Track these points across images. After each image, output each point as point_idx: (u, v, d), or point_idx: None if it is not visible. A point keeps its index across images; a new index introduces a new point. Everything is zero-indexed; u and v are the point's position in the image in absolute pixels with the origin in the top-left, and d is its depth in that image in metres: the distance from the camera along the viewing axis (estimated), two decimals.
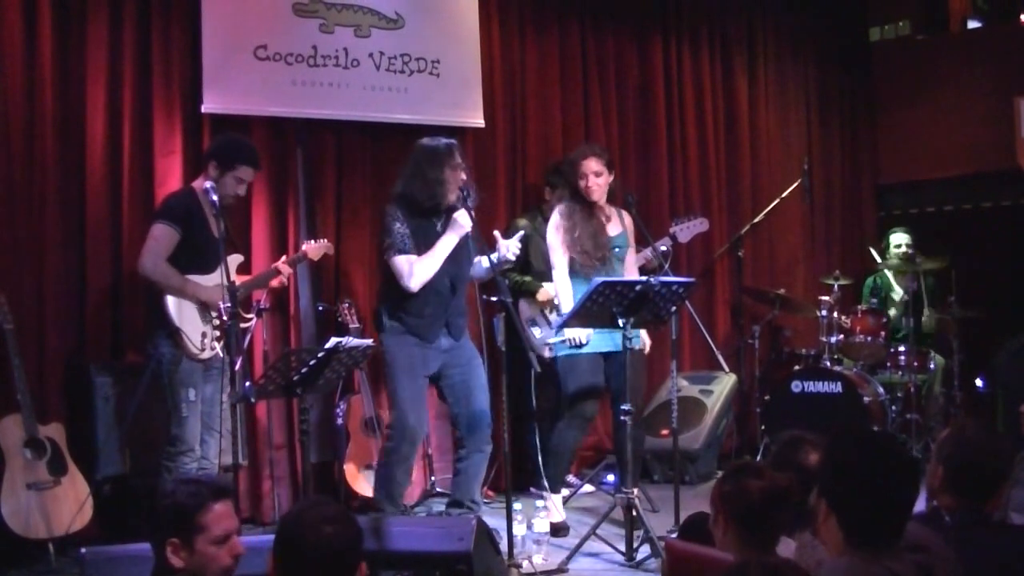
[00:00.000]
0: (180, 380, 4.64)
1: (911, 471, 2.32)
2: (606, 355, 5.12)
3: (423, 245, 4.79)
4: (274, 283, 5.10)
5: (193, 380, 4.68)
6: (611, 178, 5.15)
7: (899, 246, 7.24)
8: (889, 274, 7.33)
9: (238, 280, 4.70)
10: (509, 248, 4.81)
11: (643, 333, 5.23)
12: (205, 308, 4.70)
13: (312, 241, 5.32)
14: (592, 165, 5.10)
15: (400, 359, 4.82)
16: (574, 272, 5.11)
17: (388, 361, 4.86)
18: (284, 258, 5.16)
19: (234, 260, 4.81)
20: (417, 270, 4.76)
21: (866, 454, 2.31)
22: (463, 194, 4.76)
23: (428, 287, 4.80)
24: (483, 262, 4.88)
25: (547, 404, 5.67)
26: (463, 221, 4.75)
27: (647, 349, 5.34)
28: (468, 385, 4.91)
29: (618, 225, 5.24)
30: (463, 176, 4.83)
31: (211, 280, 4.65)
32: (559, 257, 5.13)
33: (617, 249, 5.18)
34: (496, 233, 4.96)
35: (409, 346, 4.82)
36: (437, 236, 4.81)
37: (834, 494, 2.30)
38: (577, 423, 5.19)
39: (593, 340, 5.09)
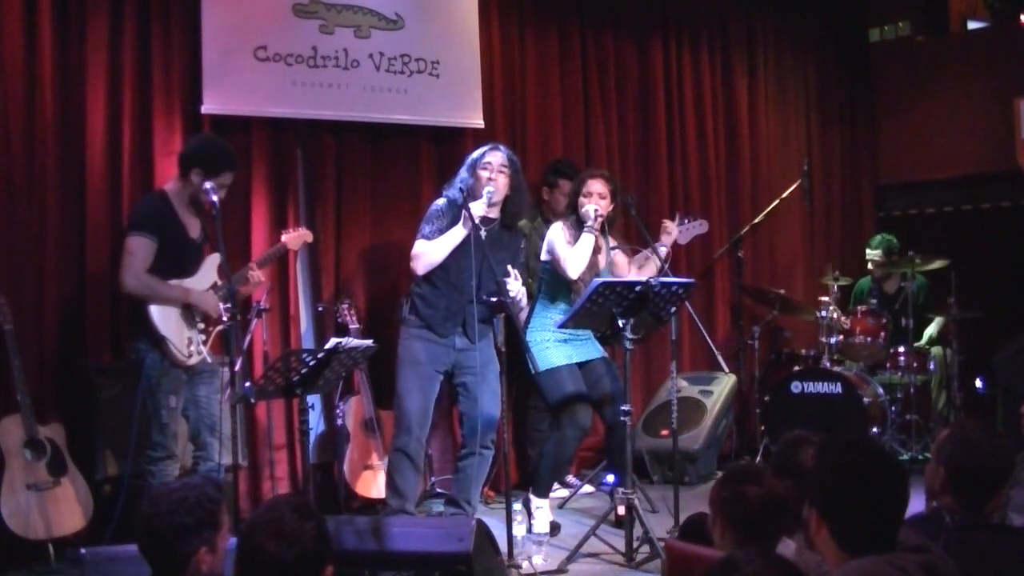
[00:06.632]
0: (165, 388, 4.53)
1: (899, 478, 2.31)
2: (581, 364, 5.19)
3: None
4: (251, 278, 4.81)
5: (177, 388, 4.57)
6: (611, 207, 5.14)
7: (872, 260, 7.24)
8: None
9: (219, 281, 4.66)
10: (510, 287, 4.74)
11: None
12: (190, 313, 4.58)
13: (291, 230, 5.22)
14: (597, 186, 5.14)
15: (407, 353, 4.96)
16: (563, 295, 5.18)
17: (398, 354, 5.00)
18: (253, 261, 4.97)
19: (212, 261, 4.71)
20: (420, 250, 4.91)
21: (853, 462, 2.30)
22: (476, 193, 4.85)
23: (447, 281, 4.89)
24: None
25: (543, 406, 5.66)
26: (471, 210, 4.77)
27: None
28: (479, 388, 4.93)
29: (603, 257, 5.26)
30: (488, 176, 4.89)
31: (193, 284, 4.60)
32: (563, 245, 5.10)
33: None
34: (509, 267, 4.85)
35: (419, 340, 4.93)
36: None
37: (824, 504, 2.30)
38: (574, 433, 5.15)
39: (569, 351, 5.15)
